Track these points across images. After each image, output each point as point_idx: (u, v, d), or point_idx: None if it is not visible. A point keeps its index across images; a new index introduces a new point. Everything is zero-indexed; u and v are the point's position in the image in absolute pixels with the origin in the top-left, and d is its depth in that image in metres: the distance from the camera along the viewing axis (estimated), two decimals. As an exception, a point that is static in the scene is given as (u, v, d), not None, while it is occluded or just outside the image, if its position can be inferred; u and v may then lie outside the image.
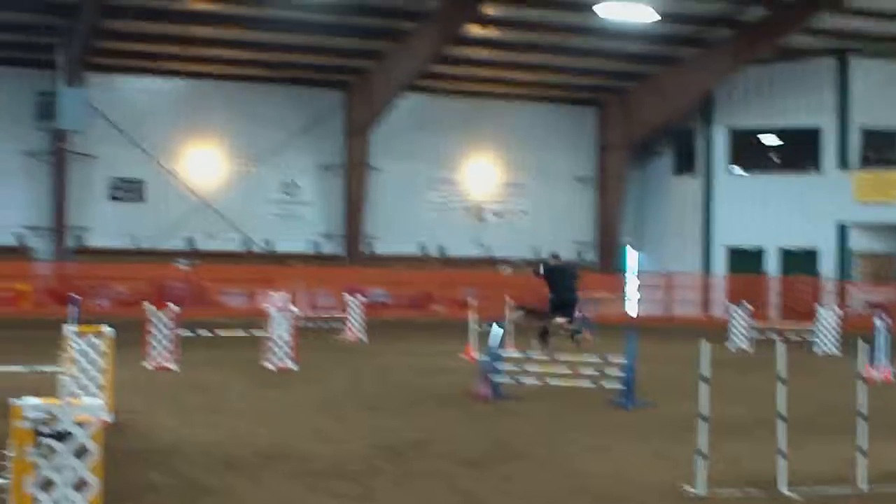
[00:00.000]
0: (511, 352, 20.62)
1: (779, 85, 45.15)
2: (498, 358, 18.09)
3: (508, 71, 44.83)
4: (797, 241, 44.53)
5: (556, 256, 29.59)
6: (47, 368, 16.01)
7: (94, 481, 7.25)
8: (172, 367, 20.91)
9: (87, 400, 7.86)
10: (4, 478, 7.37)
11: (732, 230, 45.54)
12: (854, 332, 23.62)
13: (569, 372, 18.18)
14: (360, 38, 41.37)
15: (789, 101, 44.85)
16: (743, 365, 24.66)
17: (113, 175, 42.94)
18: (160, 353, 21.09)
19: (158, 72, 43.33)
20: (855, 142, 43.96)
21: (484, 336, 21.92)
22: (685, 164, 47.70)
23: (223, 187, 44.21)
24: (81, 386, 13.93)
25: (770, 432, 11.37)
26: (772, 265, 44.74)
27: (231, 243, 44.13)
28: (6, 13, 37.45)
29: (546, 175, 48.29)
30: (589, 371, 18.05)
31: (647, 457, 12.66)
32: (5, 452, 7.44)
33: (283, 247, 44.66)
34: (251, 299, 40.41)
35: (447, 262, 46.20)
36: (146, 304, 21.88)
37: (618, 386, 17.20)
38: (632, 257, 49.83)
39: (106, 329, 14.26)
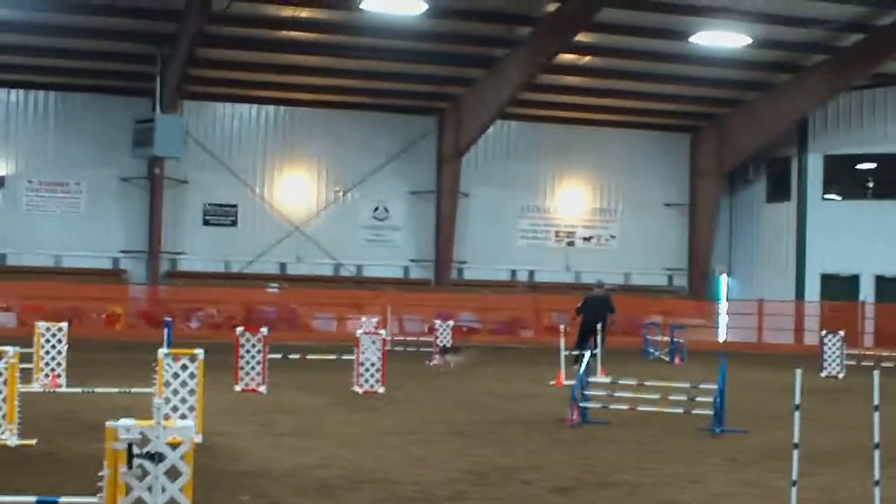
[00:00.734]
0: (601, 377, 20.50)
1: (874, 110, 44.65)
2: (588, 384, 18.02)
3: (601, 98, 44.81)
4: (893, 268, 43.89)
5: (599, 285, 30.46)
6: (140, 390, 16.23)
7: (185, 502, 7.32)
8: (262, 390, 21.06)
9: (178, 422, 7.96)
10: (99, 498, 7.47)
11: (826, 257, 45.03)
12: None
13: (658, 398, 18.05)
14: (453, 65, 41.56)
15: (885, 126, 44.35)
16: (835, 393, 24.31)
17: (207, 200, 43.55)
18: (250, 376, 21.25)
19: (252, 99, 43.93)
20: (952, 167, 43.30)
21: (574, 362, 21.86)
22: (779, 190, 47.26)
23: (314, 212, 44.61)
24: (173, 408, 14.11)
25: (863, 462, 11.19)
26: (867, 292, 44.09)
27: (321, 268, 44.46)
28: (106, 42, 38.27)
29: (637, 201, 48.14)
30: (679, 397, 17.90)
31: (739, 485, 12.50)
32: (101, 474, 7.54)
33: (372, 272, 44.92)
34: (340, 323, 40.64)
35: (536, 287, 46.14)
36: (237, 328, 22.06)
37: (708, 412, 17.02)
38: (723, 284, 49.41)
39: (198, 352, 14.41)
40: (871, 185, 45.86)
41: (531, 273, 47.00)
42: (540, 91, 42.97)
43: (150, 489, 7.27)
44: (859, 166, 45.73)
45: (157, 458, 7.26)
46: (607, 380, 19.66)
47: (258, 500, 10.99)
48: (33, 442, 13.88)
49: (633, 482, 12.55)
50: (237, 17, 36.29)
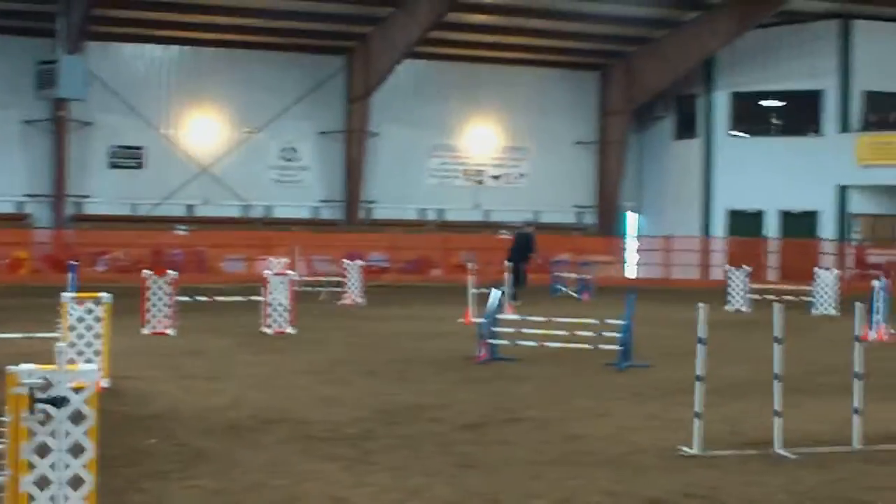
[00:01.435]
0: (509, 315, 20.63)
1: (781, 48, 45.04)
2: (496, 321, 18.13)
3: (509, 36, 44.69)
4: (797, 204, 44.58)
5: (527, 224, 31.58)
6: (45, 335, 16.03)
7: (90, 446, 7.26)
8: (170, 332, 20.95)
9: (83, 366, 7.88)
10: (1, 443, 7.39)
11: (733, 193, 45.54)
12: (853, 294, 23.68)
13: (566, 334, 18.23)
14: (361, 3, 41.25)
15: (791, 64, 44.77)
16: (741, 327, 24.71)
17: (112, 143, 42.94)
18: (158, 319, 21.12)
19: (158, 39, 43.25)
20: (856, 105, 43.90)
21: (482, 300, 21.96)
22: (686, 127, 47.64)
23: (222, 154, 44.21)
24: (79, 352, 13.98)
25: (767, 393, 11.39)
26: (772, 227, 44.74)
27: (230, 209, 44.15)
28: (4, -19, 37.41)
29: (546, 140, 48.27)
30: (587, 333, 18.09)
31: (645, 418, 12.69)
32: (1, 419, 7.46)
33: (282, 212, 44.69)
34: (250, 265, 40.45)
35: (446, 226, 46.22)
36: (144, 271, 21.89)
37: (615, 348, 17.23)
38: (632, 221, 49.85)
39: (104, 295, 14.27)
40: (776, 122, 46.37)
41: (440, 212, 47.05)
42: (448, 30, 42.77)
43: (53, 434, 7.20)
44: (765, 103, 46.18)
45: (59, 402, 7.18)
46: (516, 317, 19.80)
47: (166, 442, 10.95)
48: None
49: (541, 417, 12.68)
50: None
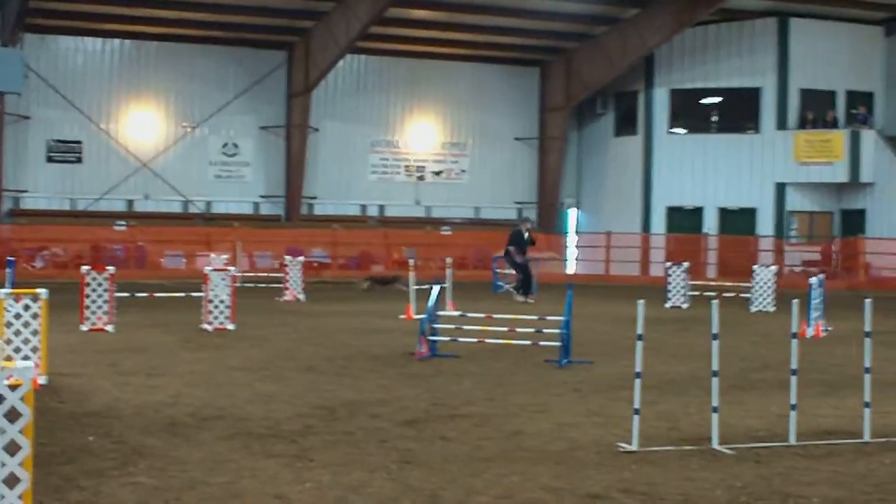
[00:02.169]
0: (450, 311, 20.66)
1: (720, 46, 45.43)
2: (436, 317, 18.15)
3: (450, 32, 44.74)
4: (736, 201, 44.96)
5: (523, 220, 31.86)
6: (-19, 331, 15.90)
7: (25, 444, 7.19)
8: (109, 329, 20.80)
9: (19, 363, 7.80)
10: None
11: (672, 190, 45.87)
12: (790, 290, 23.93)
13: (507, 330, 18.29)
14: (302, -2, 41.18)
15: (730, 62, 45.17)
16: (680, 323, 24.87)
17: (50, 137, 42.59)
18: (96, 315, 20.95)
19: (97, 32, 42.95)
20: (794, 102, 44.32)
21: (423, 296, 21.98)
22: (626, 124, 47.89)
23: (163, 149, 43.94)
24: (16, 349, 13.85)
25: (705, 389, 11.48)
26: (710, 224, 45.08)
27: (170, 205, 43.89)
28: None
29: (487, 136, 48.42)
30: (527, 329, 18.13)
31: (584, 414, 12.74)
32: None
33: (222, 208, 44.50)
34: (190, 260, 40.25)
35: (387, 222, 46.21)
36: (83, 267, 21.71)
37: (555, 344, 17.29)
38: (572, 217, 50.05)
39: (41, 292, 14.14)
40: (715, 119, 46.72)
41: (381, 208, 47.05)
42: (390, 25, 42.78)
43: (-11, 431, 7.13)
44: (704, 101, 46.53)
45: (-5, 399, 7.11)
46: (456, 313, 19.83)
47: (104, 439, 10.87)
48: None
49: (481, 413, 12.70)
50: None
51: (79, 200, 42.84)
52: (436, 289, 18.44)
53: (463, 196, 47.90)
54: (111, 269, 21.49)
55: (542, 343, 17.68)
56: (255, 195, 45.42)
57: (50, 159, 42.74)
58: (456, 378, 15.52)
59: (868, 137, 43.17)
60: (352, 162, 46.59)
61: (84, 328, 20.79)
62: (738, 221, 44.86)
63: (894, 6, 43.62)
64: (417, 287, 25.30)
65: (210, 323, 21.52)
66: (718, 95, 46.20)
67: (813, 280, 22.63)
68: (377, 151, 47.21)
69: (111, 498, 8.70)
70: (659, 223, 46.32)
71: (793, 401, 11.29)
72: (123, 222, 41.70)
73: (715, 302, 11.04)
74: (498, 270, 36.81)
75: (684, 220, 45.76)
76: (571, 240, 49.03)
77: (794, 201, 44.66)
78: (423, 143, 47.85)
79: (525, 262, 31.06)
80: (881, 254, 41.10)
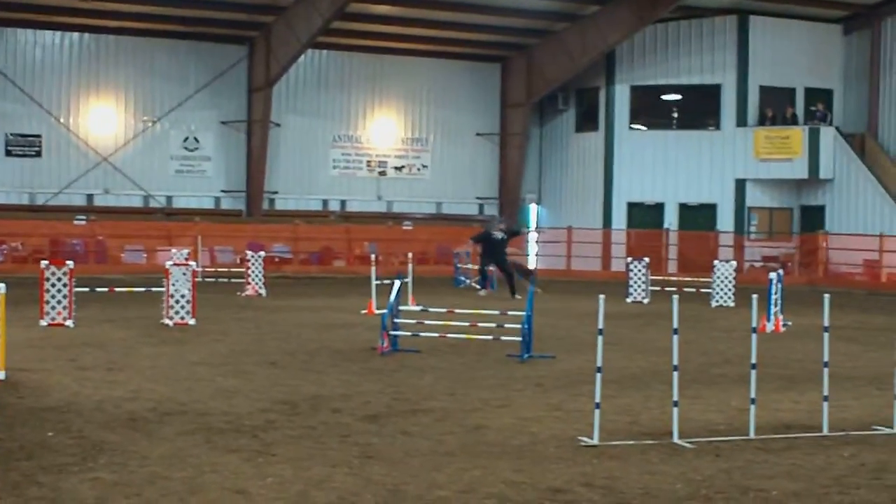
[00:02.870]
0: (411, 306, 20.68)
1: (680, 43, 45.60)
2: (398, 312, 18.16)
3: (411, 27, 44.68)
4: (696, 197, 45.19)
5: (493, 217, 31.67)
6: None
7: (-16, 438, 7.17)
8: (68, 324, 20.69)
9: (-23, 356, 7.77)
10: None
11: (633, 186, 46.02)
12: (749, 286, 24.07)
13: (468, 325, 18.32)
14: (263, -8, 41.03)
15: (690, 59, 45.36)
16: (641, 318, 24.98)
17: (8, 130, 42.28)
18: (56, 310, 20.84)
19: (56, 26, 42.64)
20: (753, 99, 44.57)
21: (385, 291, 21.98)
22: (587, 120, 47.98)
23: (123, 143, 43.71)
24: (-26, 343, 13.78)
25: (666, 383, 11.54)
26: (671, 220, 45.26)
27: (130, 199, 43.69)
28: None
29: (449, 131, 48.43)
30: (488, 324, 18.17)
31: (545, 409, 12.78)
32: None
33: (183, 202, 44.34)
34: (151, 255, 40.07)
35: (348, 217, 46.16)
36: (42, 261, 21.59)
37: (517, 339, 17.33)
38: (533, 213, 50.13)
39: (-1, 286, 14.07)
40: (675, 115, 46.89)
41: (343, 203, 46.97)
42: (351, 20, 42.67)
43: (-53, 426, 7.10)
44: (664, 97, 46.70)
45: (-46, 394, 7.09)
46: (418, 308, 19.84)
47: (64, 435, 10.82)
48: None
49: (442, 408, 12.72)
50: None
51: (38, 195, 42.56)
52: (397, 284, 18.45)
53: (424, 191, 47.92)
54: (70, 263, 21.38)
55: (503, 338, 17.73)
56: (216, 190, 45.25)
57: (9, 153, 42.42)
58: (418, 373, 15.54)
59: (827, 134, 43.45)
60: (313, 157, 46.50)
61: (43, 323, 20.68)
62: (698, 217, 45.07)
63: (852, 5, 43.96)
64: (378, 282, 25.29)
65: (171, 318, 21.45)
66: (679, 92, 46.37)
67: (772, 275, 22.78)
68: (339, 146, 47.13)
69: (71, 493, 8.66)
70: (620, 219, 46.44)
71: (752, 395, 11.38)
72: (83, 217, 41.43)
73: (675, 297, 11.10)
74: (460, 266, 36.85)
75: (645, 215, 45.93)
76: (532, 235, 49.09)
77: (754, 197, 44.89)
78: (384, 139, 47.81)
79: (501, 263, 31.05)
80: (840, 249, 41.40)
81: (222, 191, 45.26)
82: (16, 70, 42.08)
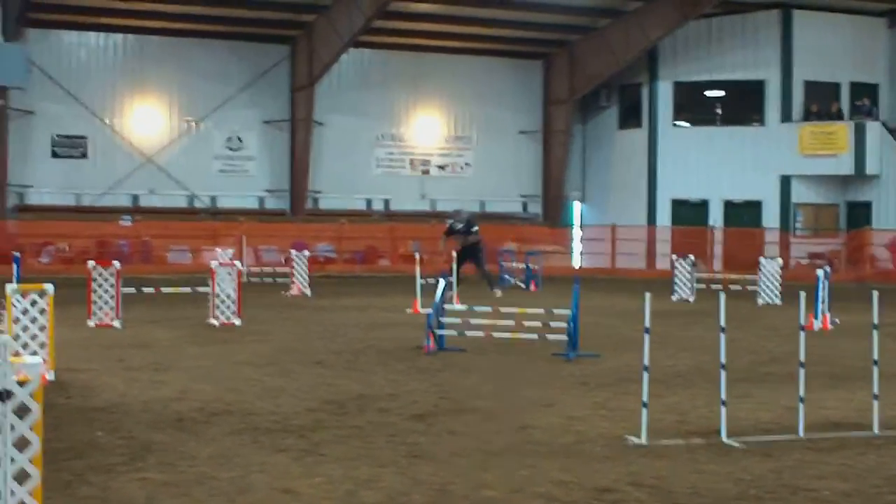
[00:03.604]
0: (456, 305, 20.65)
1: (723, 38, 45.35)
2: (443, 311, 18.14)
3: (453, 25, 44.69)
4: (741, 194, 44.92)
5: (459, 212, 31.17)
6: (-11, 327, 15.91)
7: (35, 440, 7.19)
8: (116, 324, 20.79)
9: (28, 358, 7.80)
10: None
11: (677, 182, 45.81)
12: (795, 283, 23.89)
13: (514, 324, 18.27)
14: (305, -9, 41.14)
15: (734, 54, 45.10)
16: (686, 316, 24.86)
17: (55, 132, 42.58)
18: (103, 310, 20.95)
19: (100, 27, 42.94)
20: (798, 94, 44.26)
21: (430, 289, 21.99)
22: (630, 117, 47.84)
23: (167, 143, 43.95)
24: (23, 345, 13.85)
25: (713, 382, 11.46)
26: (716, 217, 45.03)
27: (175, 199, 43.90)
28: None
29: (491, 129, 48.38)
30: (534, 323, 18.13)
31: (592, 408, 12.73)
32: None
33: (227, 202, 44.51)
34: (196, 255, 40.26)
35: (392, 216, 46.20)
36: (89, 262, 21.71)
37: (562, 338, 17.27)
38: (577, 210, 50.01)
39: (47, 286, 14.14)
40: (719, 112, 46.66)
41: (387, 202, 47.03)
42: (393, 18, 42.73)
43: (-1, 428, 7.13)
44: (708, 93, 46.46)
45: (4, 395, 7.11)
46: (463, 307, 19.82)
47: (112, 435, 10.87)
48: None
49: (489, 408, 12.69)
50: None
51: (84, 195, 42.84)
52: (442, 282, 18.43)
53: (468, 190, 47.86)
54: (117, 264, 21.48)
55: (549, 337, 17.67)
56: (259, 190, 45.41)
57: (55, 154, 42.74)
58: (464, 372, 15.52)
59: (873, 129, 43.09)
60: (356, 156, 46.57)
61: (91, 324, 20.79)
62: (743, 214, 44.81)
63: (897, -2, 43.63)
64: (423, 281, 25.29)
65: (216, 318, 21.52)
66: (722, 88, 46.12)
67: (819, 272, 22.60)
68: (382, 145, 47.20)
69: (120, 493, 8.70)
70: (664, 216, 46.26)
71: (801, 393, 11.28)
72: (128, 217, 41.70)
73: (722, 294, 11.03)
74: (504, 264, 36.79)
75: (689, 212, 45.71)
76: (577, 233, 48.98)
77: (800, 194, 44.60)
78: (427, 137, 47.84)
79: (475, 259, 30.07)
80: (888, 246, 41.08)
81: (266, 190, 45.42)
82: (61, 72, 42.37)
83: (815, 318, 21.91)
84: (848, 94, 44.61)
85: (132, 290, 22.98)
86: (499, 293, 28.91)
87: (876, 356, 11.50)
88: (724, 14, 44.83)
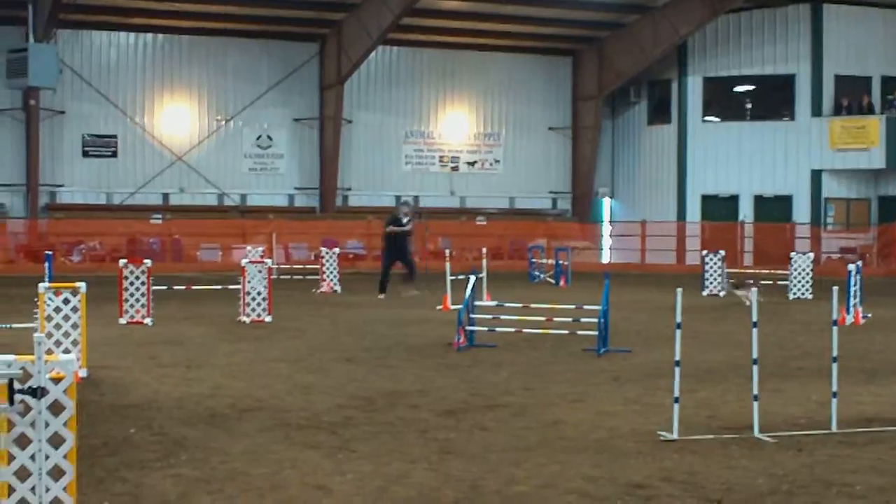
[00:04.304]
0: (486, 301, 20.66)
1: (753, 33, 45.21)
2: (473, 308, 18.14)
3: (482, 22, 44.66)
4: (771, 188, 44.75)
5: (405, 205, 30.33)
6: (23, 325, 16.00)
7: (69, 437, 7.24)
8: (147, 322, 20.88)
9: (61, 356, 7.85)
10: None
11: (707, 178, 45.70)
12: (827, 277, 23.80)
13: (544, 320, 18.26)
14: (333, -10, 41.19)
15: (763, 49, 44.93)
16: (717, 311, 24.78)
17: (85, 131, 42.79)
18: (135, 308, 21.04)
19: (129, 27, 43.11)
20: (828, 89, 44.05)
21: (459, 286, 21.99)
22: (660, 113, 47.72)
23: (197, 142, 44.10)
24: (56, 342, 13.94)
25: (745, 377, 11.43)
26: (746, 212, 44.87)
27: (205, 197, 44.06)
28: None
29: (520, 125, 48.37)
30: (564, 319, 18.10)
31: (623, 403, 12.71)
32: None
33: (257, 200, 44.64)
34: (226, 253, 40.39)
35: (422, 213, 46.20)
36: (120, 260, 21.81)
37: (593, 333, 17.25)
38: (606, 206, 49.94)
39: (79, 285, 14.21)
40: (749, 106, 46.49)
41: (416, 199, 47.05)
42: (421, 16, 42.75)
43: (33, 425, 7.18)
44: (737, 88, 46.31)
45: (39, 393, 7.16)
46: (493, 303, 19.81)
47: (145, 431, 10.93)
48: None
49: (520, 403, 12.69)
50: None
51: (115, 194, 43.05)
52: (472, 279, 18.43)
53: (497, 186, 47.88)
54: (148, 262, 21.57)
55: (579, 332, 17.66)
56: (289, 187, 45.53)
57: (85, 154, 42.97)
58: (494, 368, 15.52)
59: (905, 123, 42.89)
60: (385, 153, 46.65)
61: (122, 321, 20.89)
62: (773, 209, 44.65)
63: (929, -10, 43.36)
64: (453, 277, 25.30)
65: (247, 315, 21.59)
66: (752, 83, 45.98)
67: (851, 267, 22.50)
68: (411, 142, 47.24)
69: (154, 489, 8.75)
70: (694, 211, 46.16)
71: (834, 388, 11.23)
72: (159, 215, 41.88)
73: (754, 290, 10.99)
74: (534, 260, 36.76)
75: (719, 208, 45.58)
76: (607, 229, 48.90)
77: (831, 188, 44.42)
78: (456, 134, 47.85)
79: (403, 253, 29.26)
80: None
81: (296, 188, 45.52)
82: (91, 71, 42.58)
83: (847, 312, 21.81)
84: (879, 88, 44.36)
85: (163, 287, 23.05)
86: (414, 293, 28.39)
87: (909, 350, 11.44)
88: (753, 8, 44.69)
